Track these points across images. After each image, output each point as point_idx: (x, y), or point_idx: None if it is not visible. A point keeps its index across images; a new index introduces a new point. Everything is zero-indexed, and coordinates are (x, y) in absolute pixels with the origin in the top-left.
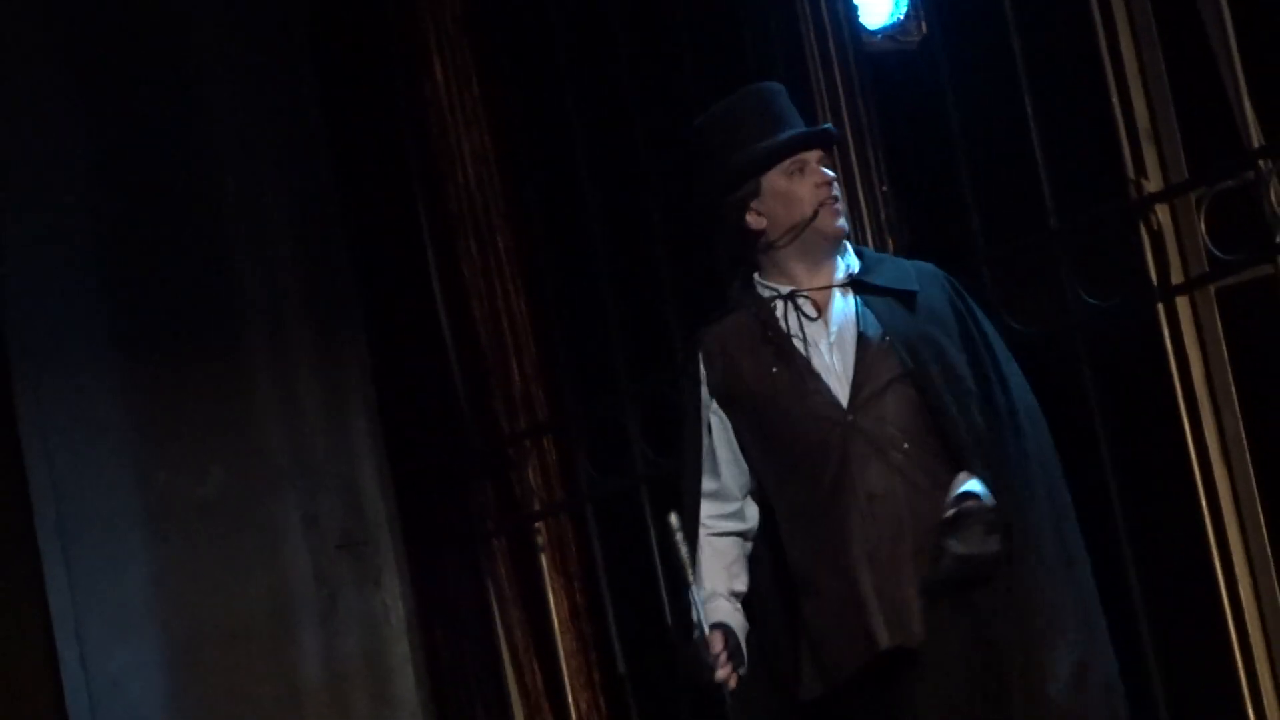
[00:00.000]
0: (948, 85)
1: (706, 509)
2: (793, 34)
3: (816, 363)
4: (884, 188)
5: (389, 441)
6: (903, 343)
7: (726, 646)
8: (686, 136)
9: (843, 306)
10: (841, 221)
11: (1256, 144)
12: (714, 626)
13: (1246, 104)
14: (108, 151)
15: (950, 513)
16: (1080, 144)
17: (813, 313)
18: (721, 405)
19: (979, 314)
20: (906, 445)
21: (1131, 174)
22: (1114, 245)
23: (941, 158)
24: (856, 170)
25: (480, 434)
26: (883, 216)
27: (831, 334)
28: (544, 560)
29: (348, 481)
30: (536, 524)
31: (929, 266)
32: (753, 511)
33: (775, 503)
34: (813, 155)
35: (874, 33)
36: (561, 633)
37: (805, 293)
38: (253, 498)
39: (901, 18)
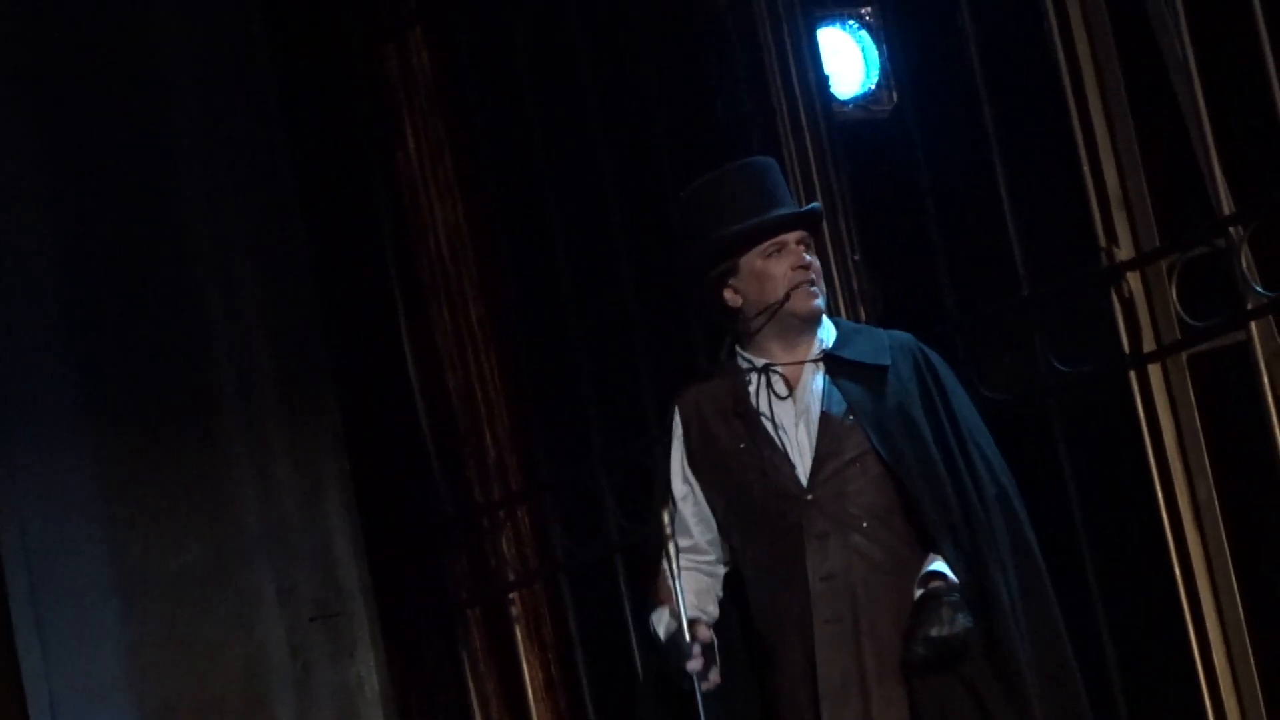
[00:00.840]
0: (919, 154)
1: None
2: (765, 103)
3: (782, 440)
4: (856, 257)
5: (363, 512)
6: (870, 420)
7: (702, 640)
8: (671, 205)
9: (813, 383)
10: (817, 303)
11: (1227, 211)
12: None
13: (1217, 171)
14: (78, 222)
15: (918, 594)
16: (1052, 211)
17: (783, 390)
18: (693, 468)
19: (948, 385)
20: (866, 524)
21: (1103, 241)
22: (1086, 312)
23: (913, 226)
24: (828, 239)
25: (454, 503)
26: (855, 286)
27: (800, 411)
28: (518, 631)
29: (322, 552)
30: (510, 594)
31: (904, 337)
32: (721, 569)
33: (742, 569)
34: (793, 236)
35: (845, 102)
36: (536, 704)
37: (778, 368)
38: (227, 569)
39: (873, 87)
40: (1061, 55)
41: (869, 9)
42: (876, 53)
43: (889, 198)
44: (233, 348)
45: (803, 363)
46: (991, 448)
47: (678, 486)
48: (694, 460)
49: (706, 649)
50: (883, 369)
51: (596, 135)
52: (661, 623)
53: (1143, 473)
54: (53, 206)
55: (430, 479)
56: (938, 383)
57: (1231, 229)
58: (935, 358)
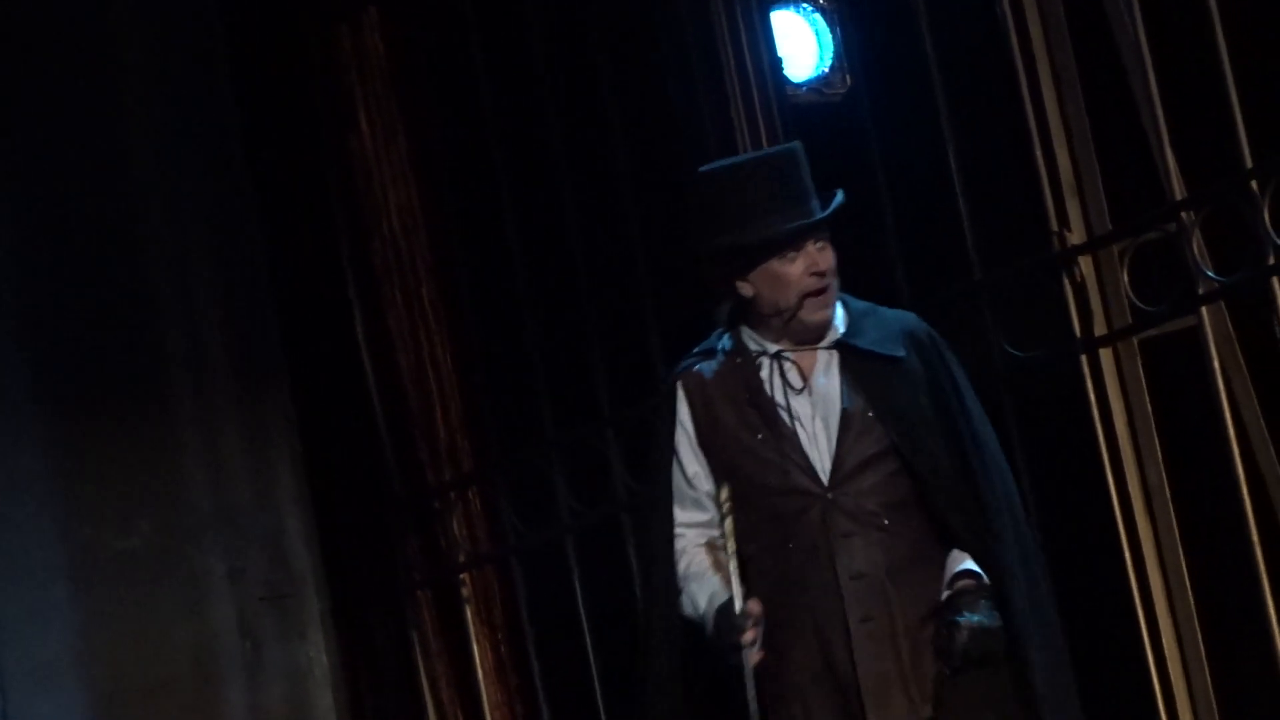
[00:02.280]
0: (873, 138)
1: (690, 535)
2: (718, 86)
3: (801, 436)
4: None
5: (314, 493)
6: (890, 415)
7: (754, 613)
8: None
9: (827, 374)
10: (825, 313)
11: (1179, 196)
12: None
13: (1169, 156)
14: (29, 205)
15: (949, 591)
16: (1004, 196)
17: (798, 382)
18: (704, 449)
19: (957, 375)
20: (886, 521)
21: (1055, 225)
22: (1038, 297)
23: (867, 210)
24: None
25: (405, 485)
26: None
27: (816, 404)
28: (469, 612)
29: (272, 533)
30: (461, 575)
31: (910, 320)
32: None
33: (745, 554)
34: (819, 239)
35: (799, 85)
36: (486, 685)
37: (790, 355)
38: (177, 550)
39: (826, 70)
40: (1015, 39)
41: None
42: (830, 36)
43: (842, 181)
44: (184, 329)
45: (816, 349)
46: (987, 428)
47: (688, 461)
48: (705, 441)
49: (757, 622)
50: (897, 359)
51: (550, 117)
52: (704, 593)
53: (1094, 457)
54: (2, 190)
55: (382, 460)
56: (948, 372)
57: (1183, 214)
58: (941, 342)
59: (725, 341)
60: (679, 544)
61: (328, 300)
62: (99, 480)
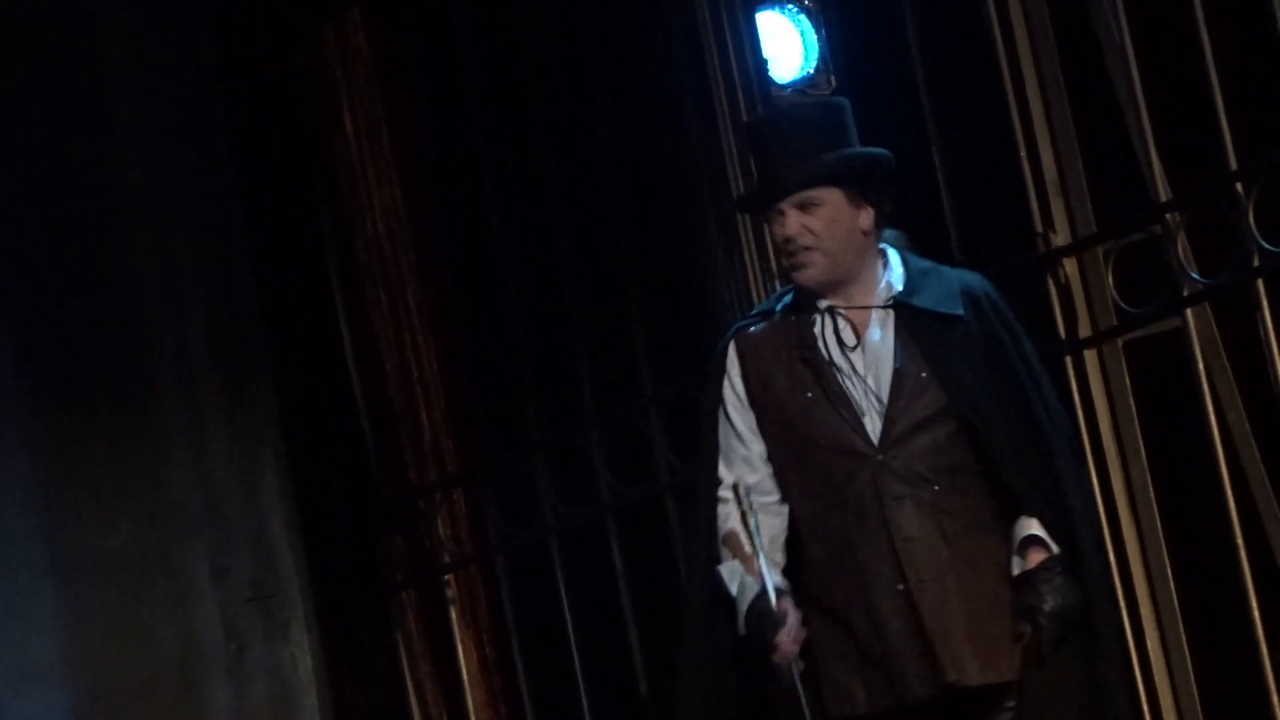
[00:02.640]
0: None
1: (742, 478)
2: (703, 87)
3: (852, 395)
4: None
5: (298, 494)
6: (947, 375)
7: (791, 619)
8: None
9: (881, 333)
10: (807, 274)
11: (1164, 198)
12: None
13: (1154, 157)
14: (14, 202)
15: (1022, 570)
16: (989, 197)
17: (851, 339)
18: (753, 409)
19: (1019, 332)
20: (937, 486)
21: (1039, 227)
22: (1022, 298)
23: None
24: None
25: (390, 486)
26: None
27: (869, 364)
28: (453, 613)
29: (257, 533)
30: (446, 576)
31: (973, 280)
32: (785, 508)
33: (797, 516)
34: (788, 201)
35: (784, 86)
36: (471, 686)
37: (843, 311)
38: (162, 549)
39: (811, 72)
40: (999, 41)
41: None
42: (815, 37)
43: None
44: (169, 328)
45: (870, 309)
46: (1053, 398)
47: (738, 419)
48: (755, 400)
49: (795, 632)
50: (956, 319)
51: (536, 118)
52: (734, 579)
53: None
54: None
55: (366, 460)
56: (1010, 331)
57: (1168, 216)
58: (1003, 305)
59: (786, 299)
60: (723, 508)
61: (313, 300)
62: (84, 480)
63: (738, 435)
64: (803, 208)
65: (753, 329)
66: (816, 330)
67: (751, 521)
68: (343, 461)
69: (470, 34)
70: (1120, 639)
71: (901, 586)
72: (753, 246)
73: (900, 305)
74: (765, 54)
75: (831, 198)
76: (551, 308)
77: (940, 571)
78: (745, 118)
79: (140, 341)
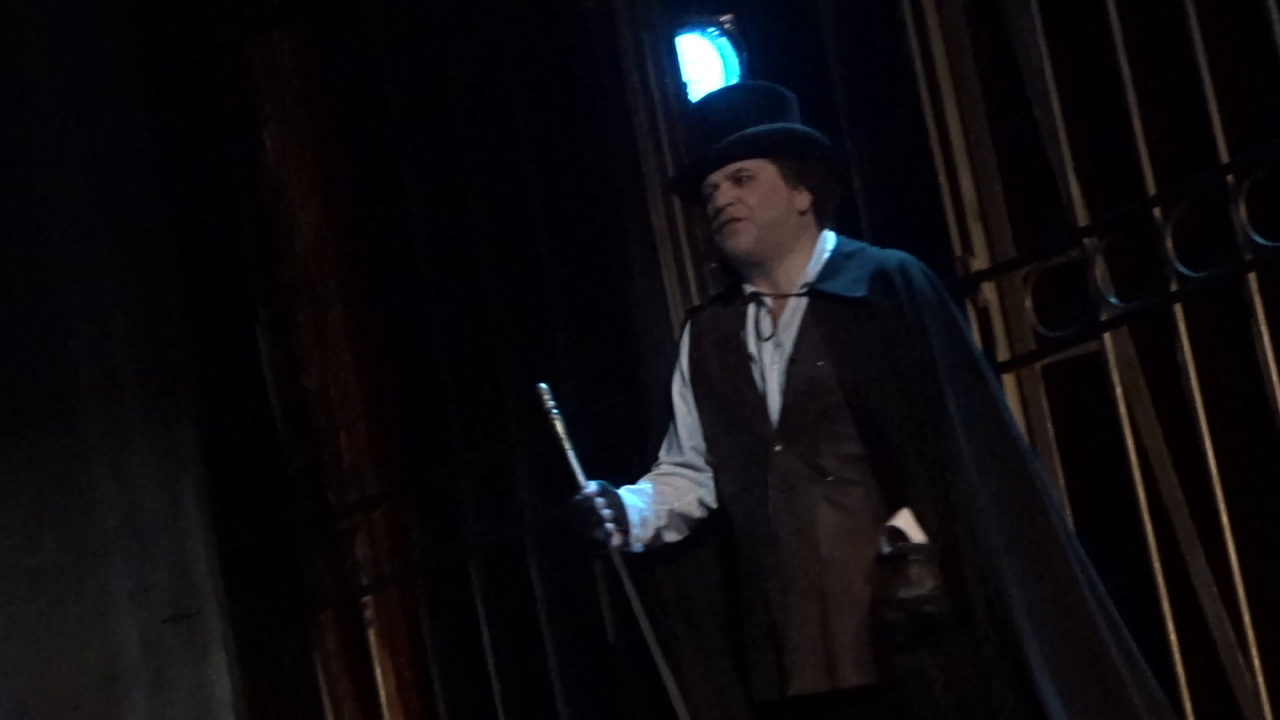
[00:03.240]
0: None
1: (666, 457)
2: (625, 109)
3: (760, 383)
4: (713, 264)
5: (219, 513)
6: (845, 365)
7: (607, 500)
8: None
9: (792, 320)
10: (736, 241)
11: (1083, 222)
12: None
13: (1073, 182)
14: None
15: (883, 553)
16: (908, 221)
17: (767, 329)
18: (692, 386)
19: (940, 312)
20: (831, 478)
21: (958, 251)
22: None
23: None
24: (685, 242)
25: (310, 506)
26: (711, 292)
27: (778, 352)
28: (372, 633)
29: (178, 553)
30: (365, 597)
31: (895, 260)
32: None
33: (721, 493)
34: (721, 174)
35: None
36: (389, 706)
37: (767, 300)
38: (83, 568)
39: None
40: (919, 65)
41: (729, 17)
42: (736, 60)
43: None
44: (92, 346)
45: (787, 296)
46: (982, 390)
47: (680, 412)
48: (694, 380)
49: (615, 510)
50: (861, 303)
51: (459, 136)
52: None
53: None
54: None
55: (287, 481)
56: (927, 311)
57: (1086, 240)
58: (921, 283)
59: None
60: (646, 478)
61: (236, 319)
62: (6, 498)
63: (677, 426)
64: (736, 180)
65: (706, 310)
66: (746, 318)
67: (557, 423)
68: (264, 481)
69: (393, 53)
70: (1007, 645)
71: (775, 583)
72: (673, 267)
73: (812, 292)
74: (686, 77)
75: (765, 171)
76: (474, 326)
77: (815, 569)
78: (665, 140)
79: (63, 362)
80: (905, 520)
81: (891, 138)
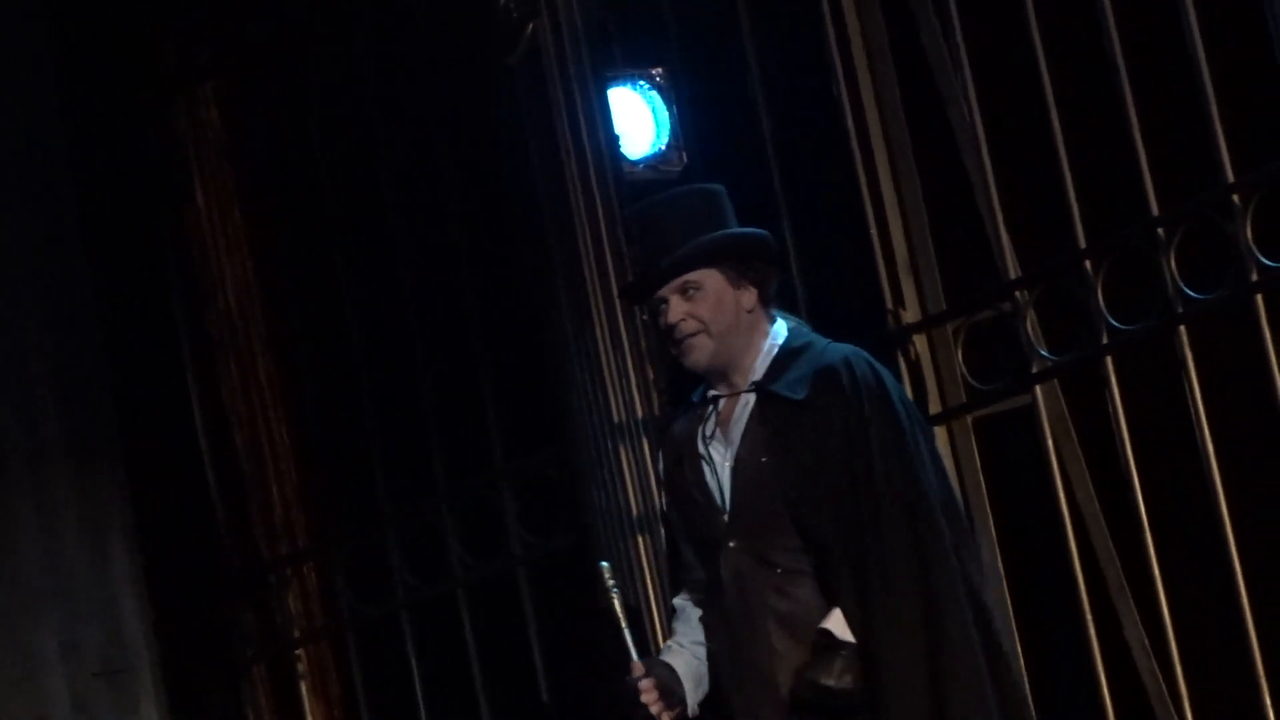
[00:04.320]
0: None
1: (678, 573)
2: (554, 162)
3: (712, 484)
4: (645, 316)
5: (149, 568)
6: (783, 466)
7: (650, 675)
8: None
9: (740, 420)
10: (695, 358)
11: (1013, 275)
12: (647, 661)
13: (1004, 235)
14: None
15: (816, 641)
16: (839, 274)
17: (711, 429)
18: (669, 495)
19: (871, 408)
20: (780, 570)
21: (889, 304)
22: None
23: None
24: (615, 294)
25: (240, 560)
26: (643, 345)
27: (727, 453)
28: (304, 687)
29: (107, 608)
30: (297, 650)
31: (839, 356)
32: None
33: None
34: (669, 289)
35: (635, 162)
36: None
37: (722, 401)
38: (9, 624)
39: (663, 148)
40: (850, 119)
41: (659, 70)
42: (667, 113)
43: None
44: (16, 403)
45: (739, 394)
46: (915, 485)
47: (673, 521)
48: (669, 489)
49: (662, 688)
50: (802, 404)
51: (386, 192)
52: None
53: None
54: None
55: (217, 535)
56: (860, 416)
57: (1017, 293)
58: (869, 381)
59: (702, 386)
60: (676, 601)
61: (163, 374)
62: None
63: (673, 536)
64: (684, 293)
65: (676, 419)
66: (704, 425)
67: (615, 601)
68: (193, 535)
69: (321, 108)
70: None
71: (731, 678)
72: (604, 322)
73: (759, 390)
74: (617, 130)
75: (711, 280)
76: (403, 381)
77: (768, 662)
78: (595, 193)
79: None
80: (835, 621)
81: (822, 190)
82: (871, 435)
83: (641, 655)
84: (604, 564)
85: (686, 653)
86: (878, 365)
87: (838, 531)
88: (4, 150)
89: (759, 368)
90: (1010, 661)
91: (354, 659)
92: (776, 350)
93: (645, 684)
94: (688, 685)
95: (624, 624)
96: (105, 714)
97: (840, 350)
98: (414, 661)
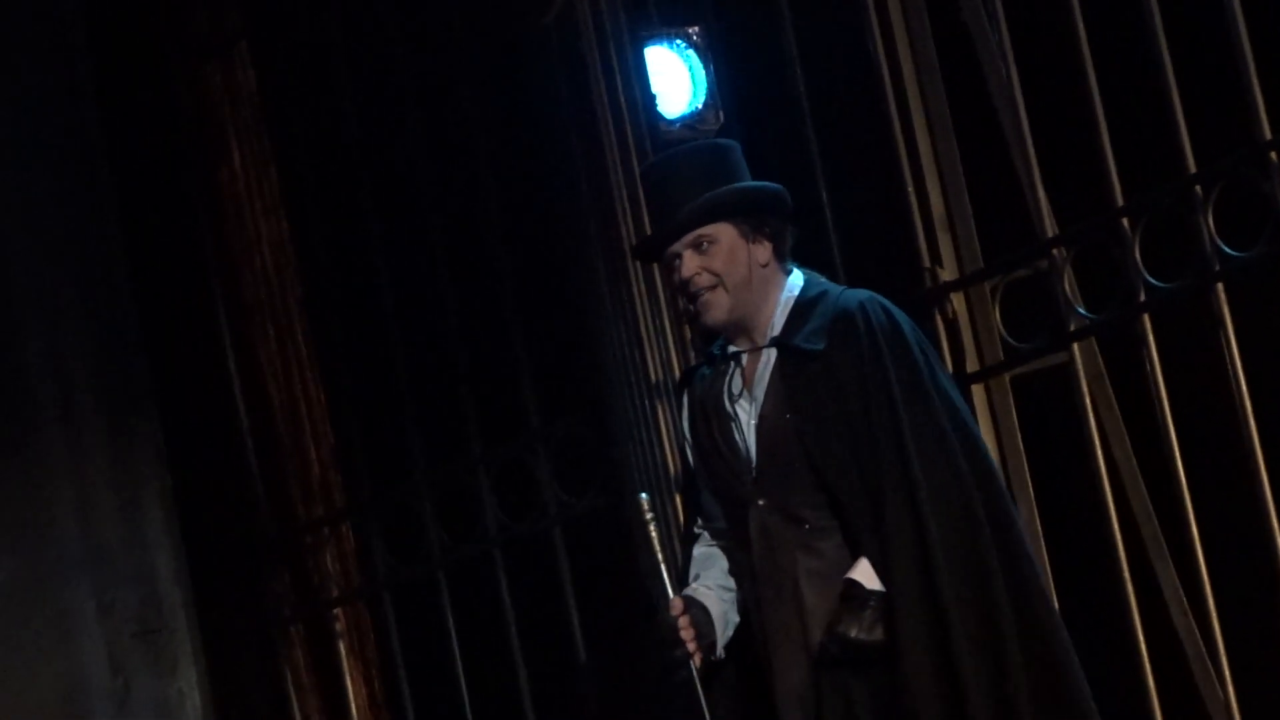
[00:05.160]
0: None
1: (700, 520)
2: (590, 122)
3: (738, 441)
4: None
5: (185, 529)
6: (805, 419)
7: (687, 614)
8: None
9: (763, 375)
10: (712, 316)
11: (1050, 233)
12: (682, 598)
13: (1040, 193)
14: None
15: (843, 592)
16: (876, 233)
17: (738, 386)
18: (694, 450)
19: (888, 355)
20: (808, 526)
21: (927, 262)
22: None
23: None
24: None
25: (276, 521)
26: (680, 305)
27: (751, 409)
28: (342, 647)
29: (143, 569)
30: (334, 611)
31: (854, 302)
32: None
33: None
34: (682, 244)
35: (672, 122)
36: None
37: (744, 356)
38: (46, 586)
39: (699, 107)
40: (887, 76)
41: (696, 28)
42: (704, 72)
43: None
44: (51, 363)
45: (760, 349)
46: (941, 435)
47: (691, 456)
48: (693, 441)
49: (698, 626)
50: (819, 354)
51: (420, 153)
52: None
53: None
54: None
55: (253, 496)
56: (878, 363)
57: (1054, 251)
58: (883, 326)
59: (720, 339)
60: (696, 549)
61: (199, 336)
62: None
63: (696, 485)
64: (697, 247)
65: (698, 371)
66: (727, 378)
67: (653, 532)
68: (229, 496)
69: (354, 69)
70: (932, 687)
71: (765, 636)
72: (640, 282)
73: (779, 345)
74: (653, 89)
75: (724, 233)
76: (436, 343)
77: (798, 619)
78: (633, 152)
79: (22, 378)
80: (863, 571)
81: (858, 149)
82: (889, 379)
83: (679, 591)
84: (643, 495)
85: (713, 594)
86: (893, 308)
87: (861, 481)
88: (39, 116)
89: (777, 322)
90: (1037, 593)
91: (390, 619)
92: (793, 303)
93: (683, 621)
94: (717, 627)
95: (660, 557)
96: (142, 675)
97: (855, 296)
98: (450, 622)
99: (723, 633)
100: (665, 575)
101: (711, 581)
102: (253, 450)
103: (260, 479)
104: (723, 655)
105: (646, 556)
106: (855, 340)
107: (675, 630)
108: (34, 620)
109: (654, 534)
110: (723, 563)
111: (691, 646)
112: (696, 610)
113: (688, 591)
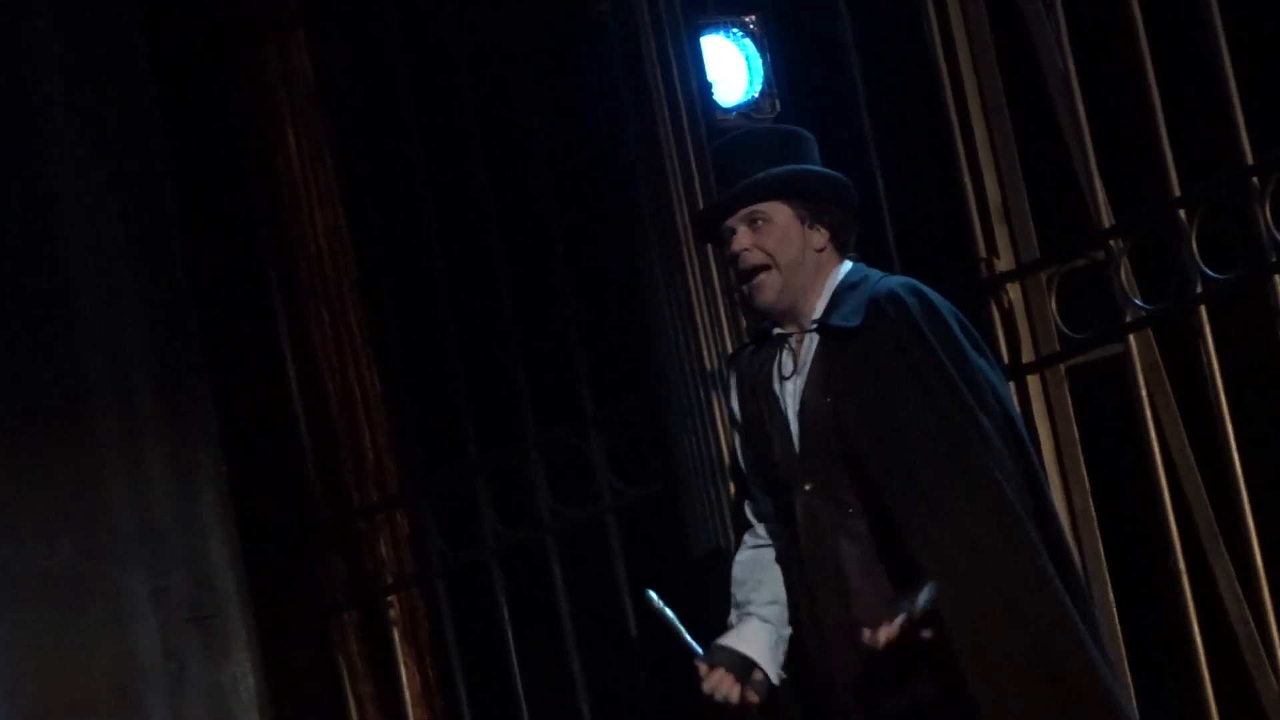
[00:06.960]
0: None
1: (747, 508)
2: (647, 111)
3: (785, 424)
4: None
5: (239, 514)
6: (846, 402)
7: (716, 668)
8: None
9: (807, 358)
10: (763, 297)
11: (1107, 223)
12: (710, 653)
13: (1097, 183)
14: None
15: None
16: (932, 222)
17: (788, 368)
18: (741, 433)
19: (916, 340)
20: (851, 509)
21: (983, 252)
22: None
23: None
24: (710, 247)
25: (331, 506)
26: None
27: (796, 392)
28: (395, 634)
29: (197, 554)
30: (388, 597)
31: (890, 286)
32: None
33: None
34: (737, 218)
35: (728, 110)
36: (413, 707)
37: (791, 339)
38: (100, 570)
39: (756, 95)
40: (943, 65)
41: (753, 17)
42: (760, 61)
43: None
44: (107, 348)
45: (805, 331)
46: (974, 418)
47: (745, 455)
48: (742, 424)
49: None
50: (856, 335)
51: (475, 140)
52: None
53: None
54: None
55: (307, 481)
56: (906, 349)
57: (1111, 241)
58: (917, 312)
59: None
60: (741, 554)
61: (253, 321)
62: (20, 501)
63: (744, 470)
64: (751, 224)
65: (746, 352)
66: (775, 360)
67: (670, 616)
68: (283, 482)
69: (411, 56)
70: (989, 676)
71: (812, 622)
72: (696, 269)
73: (821, 327)
74: (710, 78)
75: (779, 213)
76: (491, 329)
77: (839, 606)
78: (689, 141)
79: (78, 363)
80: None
81: (915, 139)
82: (927, 360)
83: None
84: (650, 592)
85: (754, 622)
86: (930, 292)
87: (897, 463)
88: (95, 100)
89: (819, 306)
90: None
91: (445, 606)
92: (835, 288)
93: (714, 677)
94: (763, 657)
95: (683, 632)
96: (195, 659)
97: (893, 280)
98: (504, 608)
99: (775, 660)
100: (690, 643)
101: (758, 603)
102: (307, 435)
103: (314, 464)
104: (784, 676)
105: (673, 641)
106: (892, 322)
107: (711, 698)
108: (88, 605)
109: (671, 617)
110: (770, 571)
111: (734, 694)
112: (725, 656)
113: (724, 640)
